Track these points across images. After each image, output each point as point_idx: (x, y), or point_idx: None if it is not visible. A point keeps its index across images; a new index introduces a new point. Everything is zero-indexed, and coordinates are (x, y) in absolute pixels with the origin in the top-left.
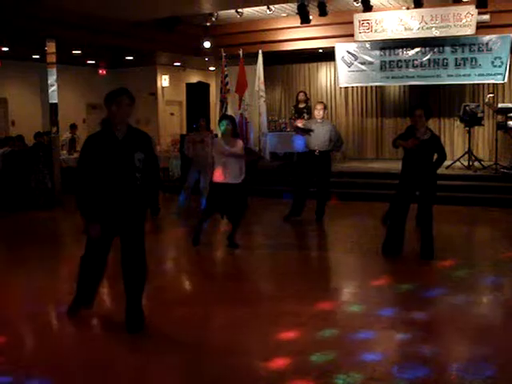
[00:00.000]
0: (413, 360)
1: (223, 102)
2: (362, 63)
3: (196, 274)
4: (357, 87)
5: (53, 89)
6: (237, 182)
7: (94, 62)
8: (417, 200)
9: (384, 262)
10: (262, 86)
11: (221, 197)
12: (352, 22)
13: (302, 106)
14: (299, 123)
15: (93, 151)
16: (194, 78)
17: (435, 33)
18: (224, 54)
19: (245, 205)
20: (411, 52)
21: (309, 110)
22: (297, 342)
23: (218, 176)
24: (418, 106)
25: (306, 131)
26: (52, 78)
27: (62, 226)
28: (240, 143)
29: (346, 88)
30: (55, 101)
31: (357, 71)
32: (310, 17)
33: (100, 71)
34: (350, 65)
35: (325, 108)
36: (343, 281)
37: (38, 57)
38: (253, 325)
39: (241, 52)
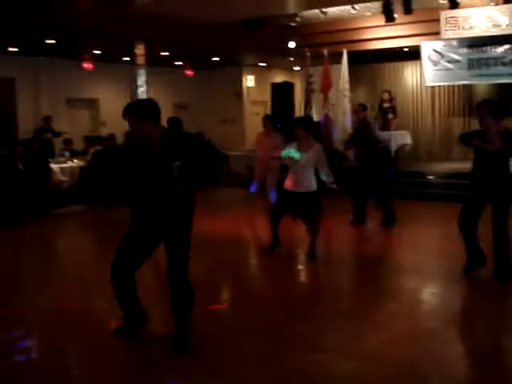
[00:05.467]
0: None
1: (308, 102)
2: (448, 61)
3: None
4: (443, 86)
5: (142, 89)
6: (307, 191)
7: (181, 63)
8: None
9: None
10: (347, 86)
11: (290, 205)
12: (438, 20)
13: (386, 105)
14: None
15: (122, 162)
16: (279, 78)
17: None
18: (308, 54)
19: (319, 212)
20: (500, 49)
21: (393, 110)
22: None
23: (288, 183)
24: (483, 102)
25: None
26: (141, 79)
27: None
28: (316, 147)
29: (433, 87)
30: None
31: (443, 70)
32: (395, 15)
33: (187, 72)
34: (436, 63)
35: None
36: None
37: (128, 59)
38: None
39: (325, 52)
